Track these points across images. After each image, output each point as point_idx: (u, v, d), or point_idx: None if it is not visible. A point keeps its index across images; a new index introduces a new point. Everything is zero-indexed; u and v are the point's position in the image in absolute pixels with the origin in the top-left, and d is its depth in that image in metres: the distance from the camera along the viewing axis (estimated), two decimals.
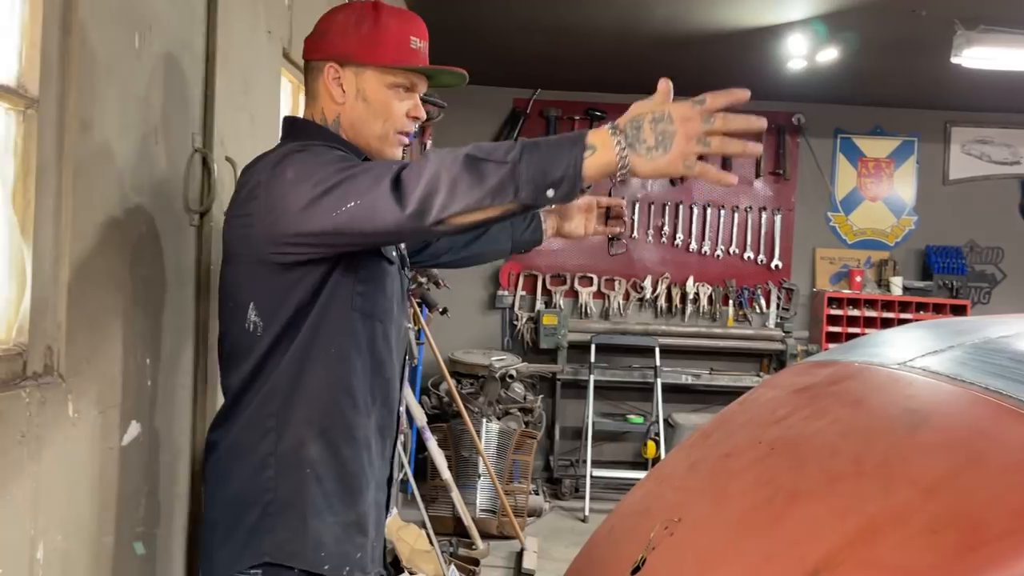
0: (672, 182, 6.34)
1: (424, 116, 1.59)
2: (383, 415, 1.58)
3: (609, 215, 1.93)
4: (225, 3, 1.89)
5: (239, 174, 1.55)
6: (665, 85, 1.28)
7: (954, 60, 4.31)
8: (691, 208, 6.32)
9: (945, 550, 1.18)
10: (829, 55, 4.62)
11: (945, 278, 6.17)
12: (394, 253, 1.59)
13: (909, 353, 1.84)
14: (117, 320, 1.47)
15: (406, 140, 1.59)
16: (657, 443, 5.58)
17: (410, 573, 3.67)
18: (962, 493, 1.27)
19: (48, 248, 1.27)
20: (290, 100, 2.81)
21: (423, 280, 4.41)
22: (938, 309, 6.02)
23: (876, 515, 1.33)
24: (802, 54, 4.64)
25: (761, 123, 1.27)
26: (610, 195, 2.04)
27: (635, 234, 6.31)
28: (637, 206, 6.33)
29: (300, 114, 1.68)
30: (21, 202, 1.23)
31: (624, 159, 1.23)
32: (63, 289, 1.29)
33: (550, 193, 1.24)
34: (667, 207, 6.32)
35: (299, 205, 1.34)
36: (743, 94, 1.25)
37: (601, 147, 1.23)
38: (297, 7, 2.55)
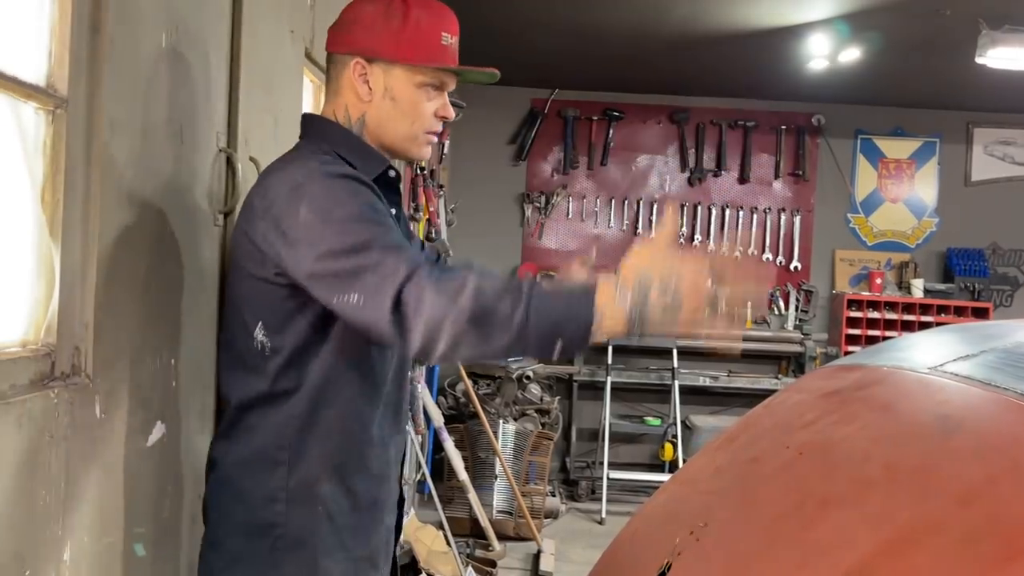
0: (690, 182, 6.31)
1: (452, 116, 1.52)
2: (398, 443, 1.55)
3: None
4: (250, 2, 1.88)
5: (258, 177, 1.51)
6: (672, 219, 1.34)
7: (979, 60, 4.26)
8: (709, 209, 6.29)
9: (983, 560, 1.16)
10: (851, 55, 4.59)
11: (967, 280, 6.11)
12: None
13: (939, 357, 1.81)
14: (142, 320, 1.47)
15: (434, 139, 1.54)
16: (675, 445, 5.55)
17: (428, 575, 3.66)
18: (1000, 501, 1.24)
19: (76, 248, 1.26)
20: (312, 100, 2.80)
21: None
22: (959, 312, 5.96)
23: (910, 523, 1.30)
24: (824, 54, 4.61)
25: (769, 274, 1.30)
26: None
27: (653, 234, 6.27)
28: (655, 206, 6.30)
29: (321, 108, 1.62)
30: (50, 201, 1.23)
31: (633, 329, 1.23)
32: (91, 289, 1.28)
33: (555, 352, 1.26)
34: (685, 208, 6.28)
35: (304, 267, 1.31)
36: (766, 276, 1.31)
37: (609, 317, 1.22)
38: (319, 6, 2.55)
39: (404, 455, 1.62)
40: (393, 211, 1.50)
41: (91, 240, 1.28)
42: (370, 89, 1.47)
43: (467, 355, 1.25)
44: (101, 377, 1.31)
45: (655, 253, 1.28)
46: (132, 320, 1.43)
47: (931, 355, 1.88)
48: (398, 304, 1.23)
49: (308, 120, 1.58)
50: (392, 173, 1.52)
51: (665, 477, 5.69)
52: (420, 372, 3.95)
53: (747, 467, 1.80)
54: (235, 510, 1.42)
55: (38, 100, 1.20)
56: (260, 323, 1.40)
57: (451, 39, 1.51)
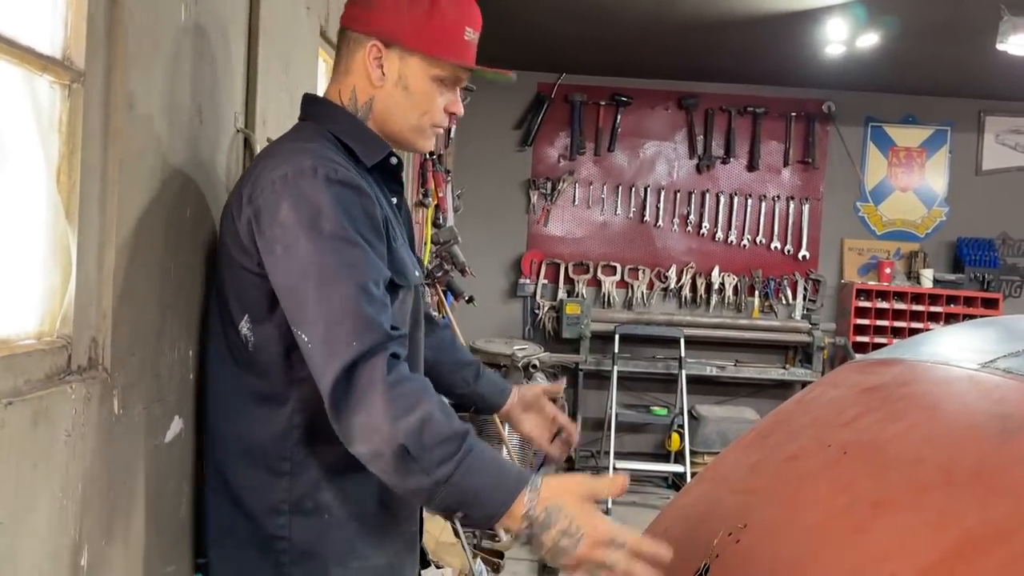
0: (698, 169, 6.23)
1: (462, 113, 1.47)
2: None
3: (560, 434, 1.80)
4: None
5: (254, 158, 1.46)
6: (621, 481, 1.26)
7: (1000, 47, 4.18)
8: (717, 197, 6.21)
9: None
10: (869, 40, 4.50)
11: (976, 271, 6.05)
12: (416, 272, 1.45)
13: (987, 354, 1.74)
14: (160, 310, 1.39)
15: (440, 131, 1.49)
16: (681, 435, 5.50)
17: (436, 566, 3.60)
18: None
19: (94, 232, 1.18)
20: (325, 80, 2.71)
21: (449, 268, 4.32)
22: (969, 303, 5.90)
23: (975, 529, 1.24)
24: (841, 39, 4.52)
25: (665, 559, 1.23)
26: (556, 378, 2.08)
27: (660, 222, 6.21)
28: (663, 194, 6.21)
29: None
30: (66, 183, 1.14)
31: (523, 539, 1.20)
32: (108, 277, 1.20)
33: (449, 517, 1.23)
34: (693, 195, 6.20)
35: (274, 275, 1.26)
36: (664, 556, 1.21)
37: (512, 518, 1.18)
38: None
39: None
40: (395, 200, 1.47)
41: (109, 224, 1.20)
42: (383, 74, 1.39)
43: (377, 471, 1.20)
44: (119, 370, 1.23)
45: (581, 497, 1.20)
46: (150, 308, 1.35)
47: (976, 351, 1.81)
48: (349, 376, 1.18)
49: (309, 101, 1.49)
50: (394, 160, 1.45)
51: (672, 467, 5.64)
52: None
53: (786, 465, 1.73)
54: (236, 525, 1.35)
55: (53, 73, 1.11)
56: (246, 315, 1.34)
57: (474, 34, 1.43)
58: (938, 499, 1.33)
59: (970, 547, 1.22)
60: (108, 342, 1.20)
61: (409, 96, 1.39)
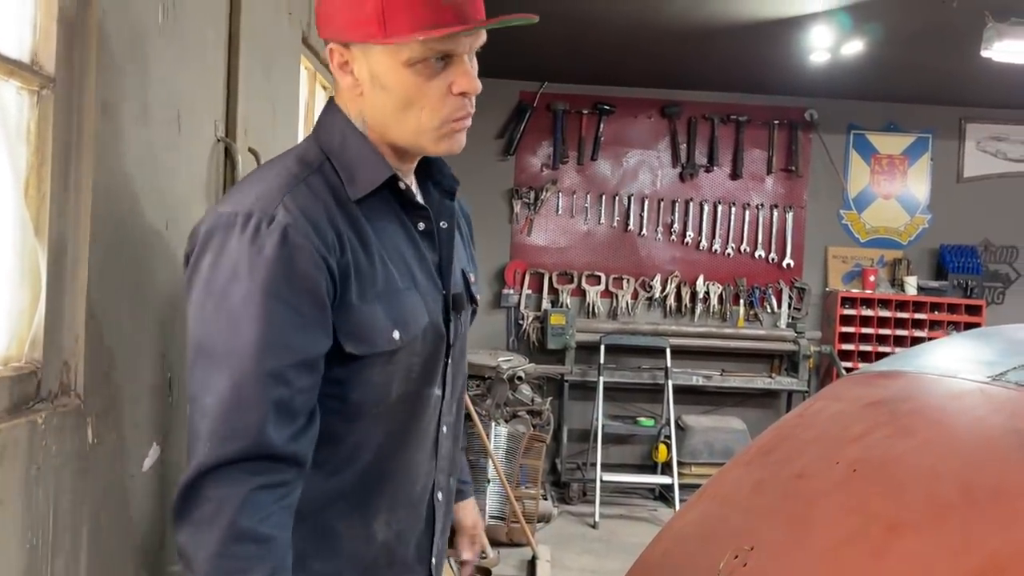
0: (682, 178, 6.20)
1: (476, 87, 1.12)
2: (407, 517, 1.22)
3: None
4: None
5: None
6: None
7: (984, 53, 4.17)
8: (701, 205, 6.18)
9: None
10: (854, 48, 4.48)
11: (960, 278, 6.05)
12: (423, 319, 1.17)
13: (994, 366, 1.69)
14: (136, 330, 1.30)
15: (461, 126, 1.15)
16: (668, 446, 5.44)
17: None
18: None
19: (65, 249, 1.10)
20: (307, 89, 2.63)
21: None
22: (953, 309, 5.90)
23: (1000, 551, 1.18)
24: (826, 46, 4.50)
25: None
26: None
27: (644, 231, 6.16)
28: (646, 203, 6.17)
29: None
30: (35, 196, 1.06)
31: None
32: (81, 296, 1.12)
33: None
34: (676, 204, 6.17)
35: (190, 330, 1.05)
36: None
37: None
38: None
39: (436, 515, 1.27)
40: (421, 226, 1.21)
41: (81, 240, 1.12)
42: (356, 80, 1.14)
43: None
44: (93, 396, 1.15)
45: None
46: (125, 330, 1.26)
47: (982, 363, 1.76)
48: (197, 486, 0.97)
49: (326, 109, 1.24)
50: (402, 186, 1.17)
51: (659, 479, 5.58)
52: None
53: (792, 484, 1.67)
54: None
55: (21, 78, 1.03)
56: None
57: None
58: (958, 520, 1.27)
59: (996, 571, 1.16)
60: (81, 366, 1.12)
61: (390, 95, 1.12)
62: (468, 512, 1.58)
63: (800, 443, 1.81)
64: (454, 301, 1.23)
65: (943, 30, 4.39)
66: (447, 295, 1.22)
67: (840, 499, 1.49)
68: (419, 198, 1.22)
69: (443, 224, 1.24)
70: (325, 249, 1.05)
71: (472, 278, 1.33)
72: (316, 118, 1.23)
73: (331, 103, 1.21)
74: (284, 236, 1.02)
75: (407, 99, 1.11)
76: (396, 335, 1.12)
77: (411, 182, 1.23)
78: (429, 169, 1.27)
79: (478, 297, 1.36)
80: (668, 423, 5.51)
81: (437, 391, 1.21)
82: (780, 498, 1.66)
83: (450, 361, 1.23)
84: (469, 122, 1.15)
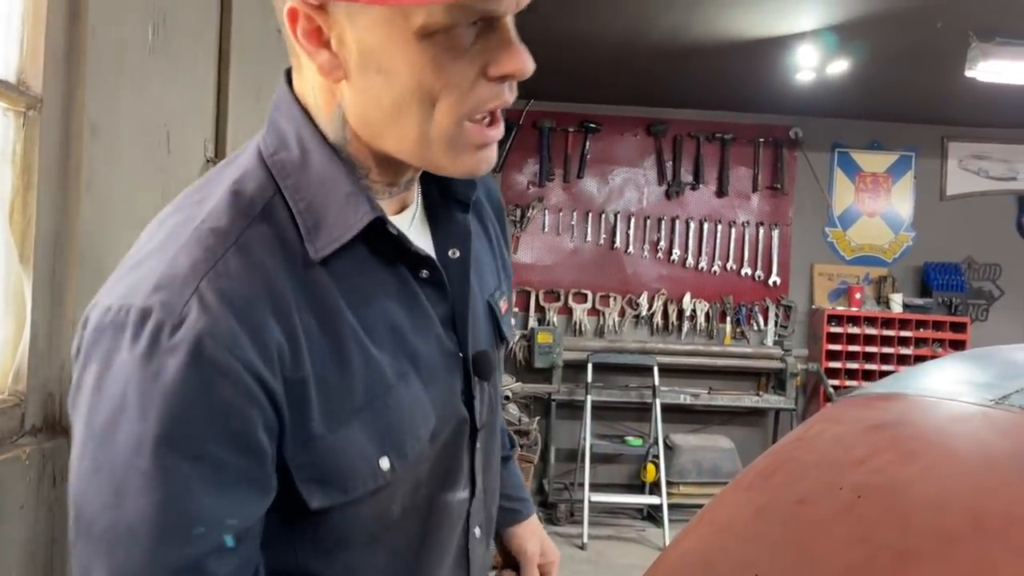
0: (668, 195, 6.20)
1: (527, 68, 0.73)
2: None
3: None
4: None
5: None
6: None
7: (968, 73, 4.20)
8: (687, 223, 6.18)
9: None
10: (839, 67, 4.51)
11: (944, 295, 6.07)
12: (431, 422, 0.81)
13: (995, 389, 1.67)
14: None
15: (492, 135, 0.75)
16: (657, 466, 5.40)
17: None
18: None
19: (50, 276, 1.06)
20: None
21: None
22: (938, 327, 5.92)
23: None
24: (811, 66, 4.52)
25: None
26: None
27: (631, 249, 6.15)
28: (632, 220, 6.17)
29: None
30: (20, 221, 1.02)
31: None
32: (68, 325, 1.08)
33: None
34: (663, 222, 6.16)
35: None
36: None
37: None
38: None
39: None
40: (424, 273, 0.81)
41: (68, 266, 1.08)
42: (334, 57, 0.72)
43: None
44: None
45: None
46: None
47: (982, 385, 1.74)
48: None
49: (277, 102, 0.80)
50: (392, 231, 0.77)
51: (648, 499, 5.54)
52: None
53: (794, 510, 1.63)
54: None
55: (7, 99, 0.99)
56: None
57: None
58: (968, 549, 1.24)
59: None
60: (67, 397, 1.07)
61: (390, 82, 0.71)
62: (530, 535, 1.17)
63: (801, 467, 1.77)
64: (477, 365, 0.85)
65: (927, 50, 4.42)
66: (466, 359, 0.85)
67: (845, 527, 1.46)
68: (419, 242, 0.80)
69: (454, 253, 0.85)
70: (264, 363, 0.68)
71: (503, 305, 0.94)
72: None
73: (286, 94, 0.78)
74: (196, 353, 0.65)
75: (418, 88, 0.70)
76: (386, 464, 0.76)
77: (413, 204, 0.85)
78: None
79: (510, 336, 0.96)
80: (656, 442, 5.48)
81: (462, 494, 0.87)
82: (783, 525, 1.62)
83: (478, 448, 0.88)
84: (501, 130, 0.76)
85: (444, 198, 0.87)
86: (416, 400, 0.78)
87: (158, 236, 0.73)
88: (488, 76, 0.72)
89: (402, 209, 0.83)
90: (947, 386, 1.90)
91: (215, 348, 0.66)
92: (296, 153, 0.75)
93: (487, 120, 0.74)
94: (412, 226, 0.83)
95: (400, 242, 0.78)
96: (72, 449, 0.69)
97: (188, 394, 0.66)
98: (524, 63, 0.73)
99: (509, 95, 0.74)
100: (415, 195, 0.85)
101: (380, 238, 0.77)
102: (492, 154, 0.77)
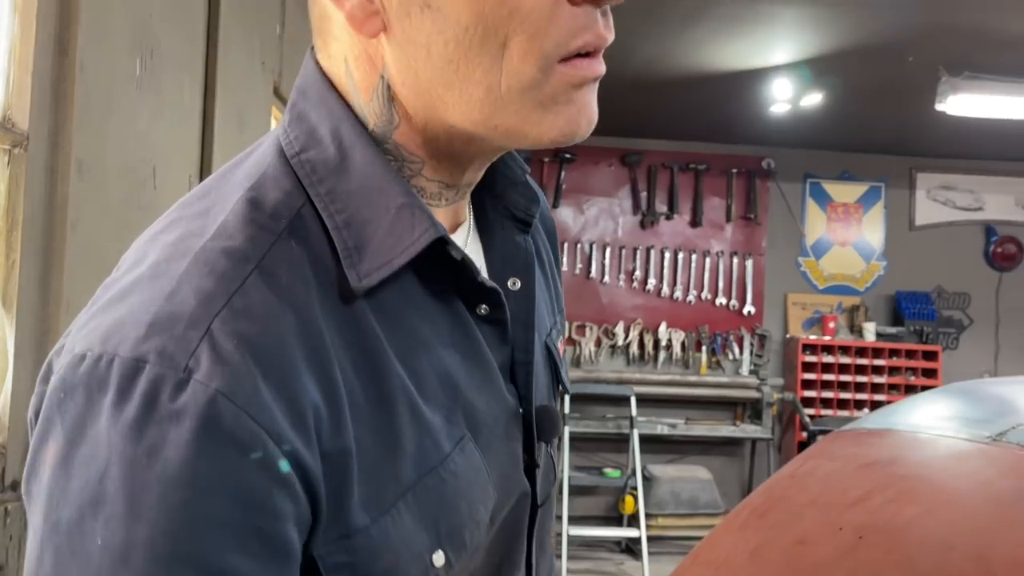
0: (642, 225, 6.22)
1: None
2: None
3: None
4: (226, 27, 1.65)
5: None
6: None
7: (938, 107, 4.27)
8: (662, 252, 6.20)
9: None
10: (813, 99, 4.56)
11: (915, 324, 6.14)
12: (490, 500, 0.63)
13: (989, 425, 1.66)
14: None
15: (594, 70, 0.56)
16: (635, 497, 5.36)
17: None
18: None
19: (34, 322, 1.01)
20: None
21: None
22: (910, 355, 5.97)
23: None
24: (786, 98, 4.57)
25: None
26: None
27: (606, 279, 6.15)
28: (608, 250, 6.17)
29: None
30: (3, 263, 0.97)
31: None
32: None
33: None
34: (638, 251, 6.18)
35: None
36: None
37: None
38: (288, 38, 2.33)
39: None
40: (483, 310, 0.64)
41: (53, 311, 1.02)
42: (374, 1, 0.55)
43: None
44: None
45: None
46: None
47: (975, 421, 1.73)
48: None
49: (302, 86, 0.61)
50: (455, 254, 0.59)
51: (626, 532, 5.49)
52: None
53: (794, 551, 1.61)
54: None
55: None
56: None
57: None
58: None
59: None
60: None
61: (445, 18, 0.53)
62: None
63: (797, 506, 1.75)
64: (541, 423, 0.68)
65: (898, 83, 4.49)
66: (528, 416, 0.67)
67: (848, 569, 1.43)
68: (484, 271, 0.65)
69: (514, 284, 0.68)
70: (298, 434, 0.50)
71: (560, 345, 0.78)
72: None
73: (315, 75, 0.60)
74: (209, 423, 0.47)
75: (478, 22, 0.53)
76: (440, 559, 0.58)
77: (467, 220, 0.67)
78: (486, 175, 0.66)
79: (567, 381, 0.79)
80: (635, 473, 5.44)
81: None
82: (782, 567, 1.59)
83: (536, 528, 0.72)
84: (589, 74, 0.56)
85: (499, 214, 0.69)
86: (475, 472, 0.60)
87: (148, 258, 0.53)
88: (574, 1, 0.53)
89: (456, 226, 0.64)
90: (938, 422, 1.88)
91: (234, 415, 0.47)
92: (331, 151, 0.57)
93: (582, 69, 0.55)
94: (466, 249, 0.63)
95: (464, 270, 0.60)
96: (27, 551, 0.49)
97: (198, 481, 0.46)
98: None
99: (606, 30, 0.55)
100: (467, 209, 0.66)
101: (436, 263, 0.58)
102: (593, 103, 0.57)
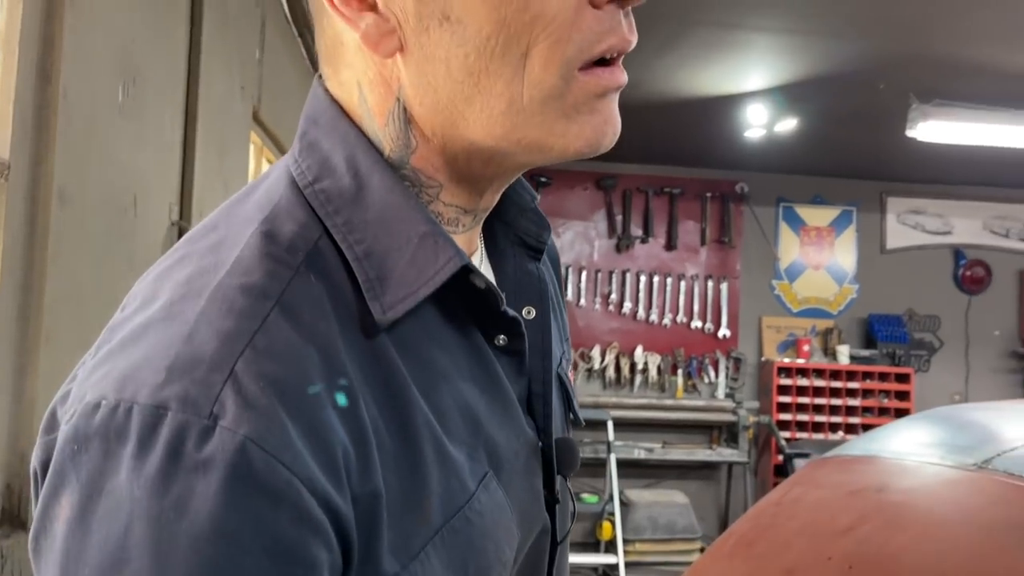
0: (618, 249, 6.24)
1: None
2: None
3: None
4: (208, 52, 1.63)
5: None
6: None
7: (909, 133, 4.34)
8: (637, 276, 6.21)
9: None
10: (788, 125, 4.61)
11: (888, 346, 6.20)
12: (511, 546, 0.61)
13: (973, 452, 1.67)
14: None
15: (618, 78, 0.55)
16: (613, 523, 5.33)
17: None
18: None
19: (12, 356, 0.97)
20: (256, 167, 2.53)
21: None
22: (884, 378, 6.02)
23: None
24: (761, 123, 4.62)
25: None
26: None
27: (582, 302, 6.15)
28: (584, 273, 6.18)
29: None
30: None
31: None
32: (30, 410, 0.99)
33: None
34: (613, 275, 6.19)
35: None
36: None
37: None
38: (267, 63, 2.31)
39: None
40: (501, 340, 0.61)
41: (32, 344, 0.99)
42: (384, 19, 0.53)
43: None
44: None
45: None
46: None
47: (957, 448, 1.73)
48: None
49: (311, 112, 0.59)
50: (479, 283, 0.56)
51: (604, 558, 5.45)
52: None
53: None
54: None
55: None
56: None
57: None
58: None
59: None
60: (31, 489, 0.98)
61: (466, 30, 0.52)
62: None
63: (785, 534, 1.74)
64: (561, 456, 0.66)
65: (870, 110, 4.56)
66: (548, 449, 0.65)
67: None
68: (504, 301, 0.59)
69: (529, 313, 0.66)
70: (330, 479, 0.47)
71: (571, 374, 0.77)
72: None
73: (324, 101, 0.58)
74: (240, 472, 0.44)
75: (501, 30, 0.51)
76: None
77: (479, 248, 0.65)
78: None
79: (579, 412, 0.76)
80: (612, 499, 5.42)
81: None
82: None
83: (555, 567, 0.69)
84: (625, 77, 0.56)
85: (510, 241, 0.67)
86: (500, 511, 0.57)
87: (160, 297, 0.50)
88: (593, 3, 0.52)
89: (470, 254, 0.61)
90: (922, 448, 1.89)
91: (266, 463, 0.44)
92: (347, 180, 0.55)
93: (604, 74, 0.54)
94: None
95: (487, 299, 0.57)
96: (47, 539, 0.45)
97: (230, 536, 0.43)
98: None
99: (630, 32, 0.54)
100: (479, 236, 0.64)
101: (457, 292, 0.56)
102: (617, 113, 0.56)
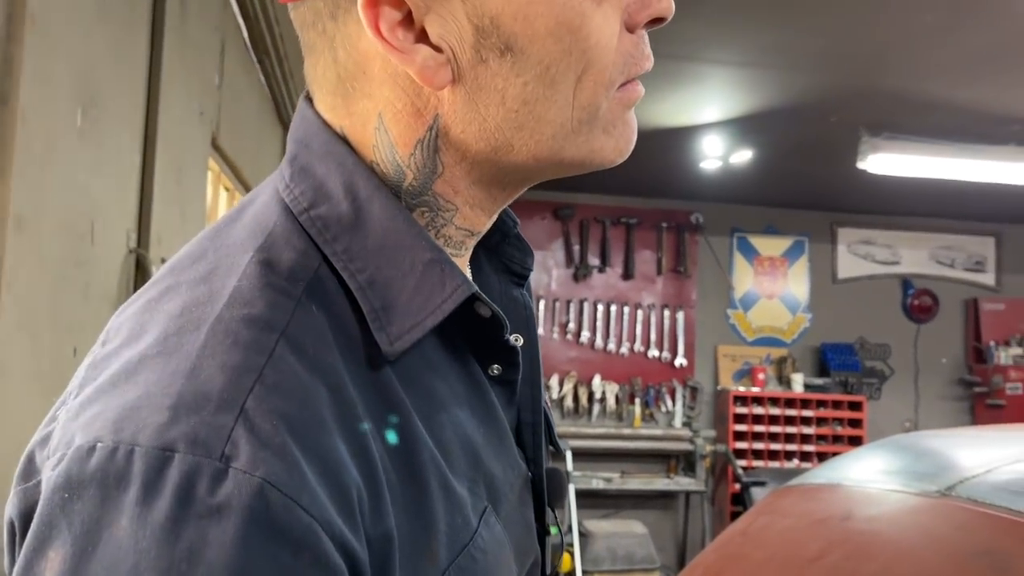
0: (575, 278, 6.26)
1: (669, 9, 0.56)
2: None
3: None
4: (168, 76, 1.60)
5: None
6: None
7: (860, 165, 4.44)
8: (595, 305, 6.23)
9: None
10: (743, 156, 4.69)
11: (840, 375, 6.29)
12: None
13: (937, 479, 1.68)
14: None
15: (636, 96, 0.57)
16: (572, 555, 5.28)
17: None
18: None
19: None
20: (211, 191, 2.48)
21: None
22: (837, 405, 6.10)
23: None
24: (717, 154, 4.69)
25: None
26: None
27: (540, 331, 6.14)
28: (542, 302, 6.18)
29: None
30: None
31: None
32: None
33: None
34: (571, 304, 6.20)
35: None
36: None
37: None
38: (226, 88, 2.27)
39: None
40: (496, 370, 0.60)
41: None
42: (435, 48, 0.51)
43: None
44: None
45: None
46: None
47: (919, 475, 1.75)
48: None
49: (305, 139, 0.56)
50: (484, 312, 0.56)
51: None
52: None
53: None
54: None
55: None
56: None
57: None
58: None
59: None
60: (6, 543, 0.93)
61: (527, 60, 0.51)
62: None
63: (753, 564, 1.73)
64: (552, 487, 0.66)
65: (822, 142, 4.66)
66: (538, 480, 0.65)
67: None
68: (509, 329, 0.58)
69: (517, 340, 0.63)
70: (346, 520, 0.45)
71: (548, 403, 0.73)
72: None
73: (315, 125, 0.55)
74: (258, 516, 0.41)
75: (564, 58, 0.52)
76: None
77: (467, 272, 0.64)
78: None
79: (560, 443, 0.74)
80: (571, 530, 5.37)
81: None
82: None
83: None
84: (636, 95, 0.57)
85: (495, 267, 0.67)
86: (499, 547, 0.55)
87: (151, 330, 0.47)
88: (633, 24, 0.54)
89: None
90: (884, 476, 1.90)
91: (284, 507, 0.41)
92: (344, 207, 0.53)
93: (631, 93, 0.56)
94: None
95: (492, 328, 0.56)
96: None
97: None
98: (664, 3, 0.55)
99: (647, 59, 0.56)
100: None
101: (459, 321, 0.55)
102: (635, 119, 0.58)
